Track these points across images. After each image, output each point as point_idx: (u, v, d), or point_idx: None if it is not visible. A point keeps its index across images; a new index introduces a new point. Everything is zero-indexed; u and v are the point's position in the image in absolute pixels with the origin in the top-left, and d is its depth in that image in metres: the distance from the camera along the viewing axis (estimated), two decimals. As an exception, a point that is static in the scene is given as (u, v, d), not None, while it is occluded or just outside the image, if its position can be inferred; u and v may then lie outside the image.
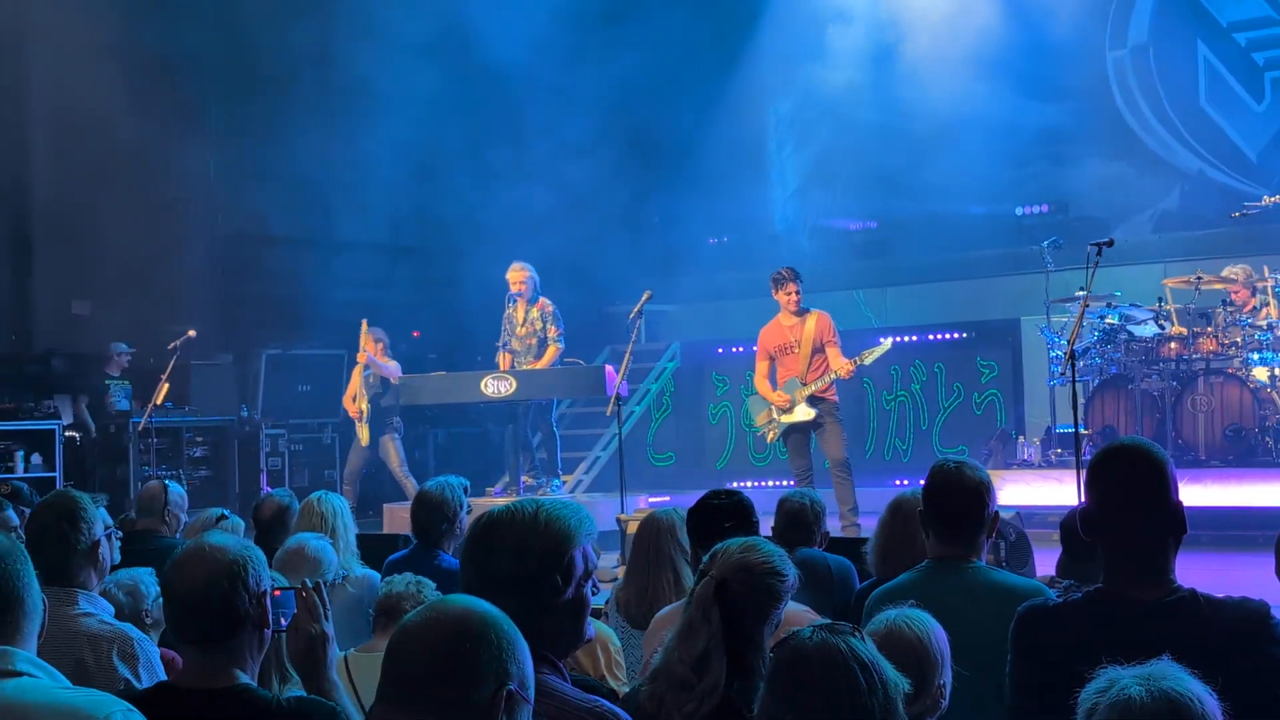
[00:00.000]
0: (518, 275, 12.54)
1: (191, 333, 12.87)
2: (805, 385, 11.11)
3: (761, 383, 11.41)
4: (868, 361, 11.15)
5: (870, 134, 15.86)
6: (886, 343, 11.47)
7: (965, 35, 14.99)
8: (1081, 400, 11.62)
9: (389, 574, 5.83)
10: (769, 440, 11.63)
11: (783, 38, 16.29)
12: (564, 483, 13.30)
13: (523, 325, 12.65)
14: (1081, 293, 10.29)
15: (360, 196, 15.99)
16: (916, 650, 3.23)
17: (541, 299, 12.63)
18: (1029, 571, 6.56)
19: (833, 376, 11.06)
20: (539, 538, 2.86)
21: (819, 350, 11.17)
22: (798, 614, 3.95)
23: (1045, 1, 14.89)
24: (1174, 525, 3.40)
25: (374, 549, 6.88)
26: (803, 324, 11.23)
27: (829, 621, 2.84)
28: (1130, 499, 3.39)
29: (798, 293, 11.19)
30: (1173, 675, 2.49)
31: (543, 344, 12.62)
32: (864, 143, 16.06)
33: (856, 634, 2.73)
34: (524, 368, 12.56)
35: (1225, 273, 11.76)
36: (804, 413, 11.11)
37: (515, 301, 12.57)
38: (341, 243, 16.48)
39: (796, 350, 11.19)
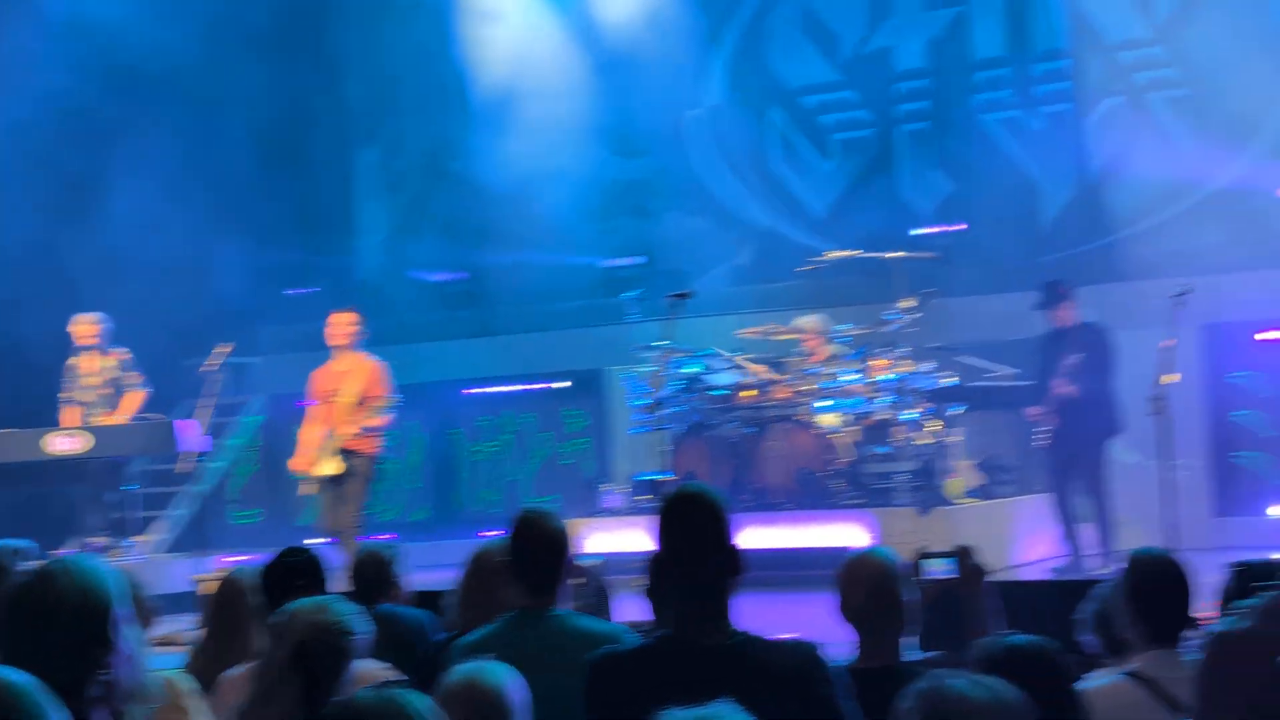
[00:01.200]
0: (87, 329, 11.97)
1: None
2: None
3: None
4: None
5: (460, 184, 15.90)
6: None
7: (552, 88, 15.25)
8: (664, 448, 11.96)
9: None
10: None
11: (369, 85, 16.18)
12: (136, 542, 12.69)
13: (95, 376, 12.04)
14: (663, 343, 10.62)
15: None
16: (492, 701, 3.20)
17: (115, 349, 12.09)
18: (608, 618, 6.66)
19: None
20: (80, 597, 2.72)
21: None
22: (371, 672, 3.87)
23: (627, 59, 15.29)
24: (731, 568, 3.49)
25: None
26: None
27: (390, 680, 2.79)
28: (689, 543, 3.48)
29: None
30: (728, 716, 2.54)
31: (119, 392, 12.07)
32: (454, 193, 16.09)
33: (412, 691, 2.68)
34: (98, 421, 11.96)
35: (796, 323, 12.33)
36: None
37: (82, 354, 11.98)
38: None
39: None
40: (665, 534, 3.56)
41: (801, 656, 3.50)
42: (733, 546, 3.56)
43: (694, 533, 3.52)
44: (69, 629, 2.69)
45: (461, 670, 3.27)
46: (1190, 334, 11.10)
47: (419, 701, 2.63)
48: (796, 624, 7.23)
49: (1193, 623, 4.07)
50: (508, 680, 3.27)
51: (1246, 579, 2.08)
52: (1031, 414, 10.97)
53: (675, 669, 3.41)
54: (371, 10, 16.55)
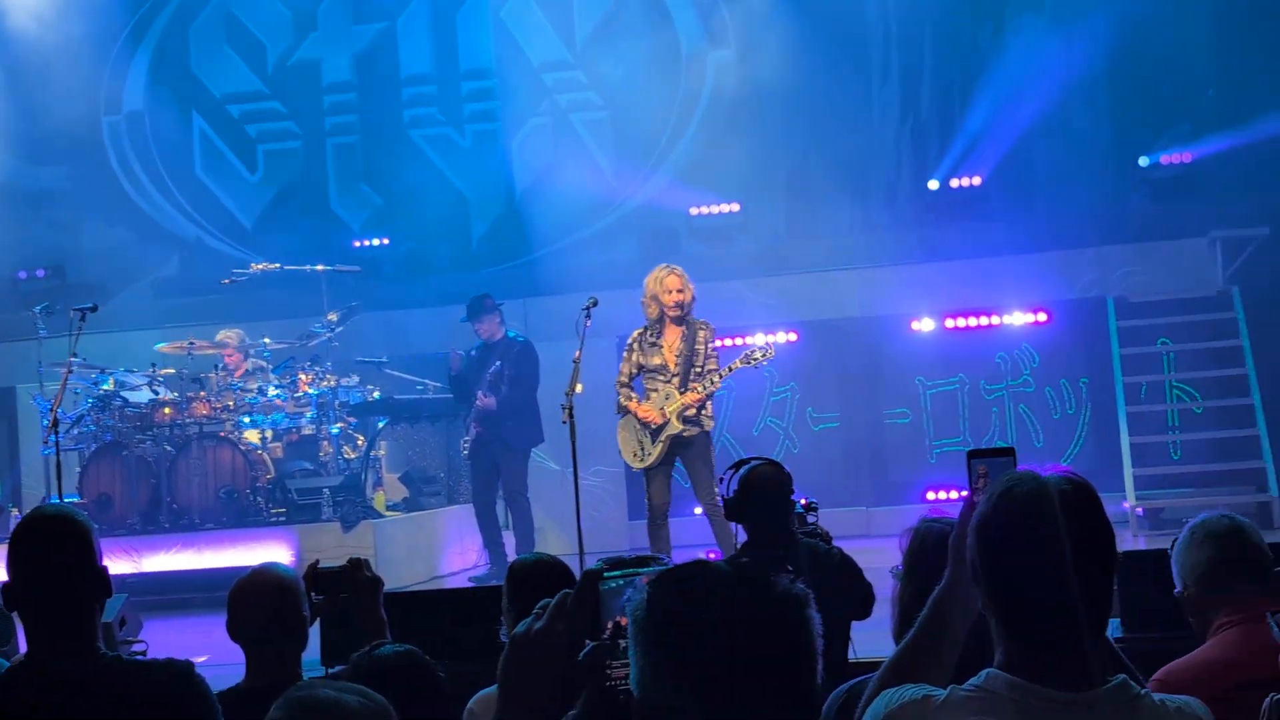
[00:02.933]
0: None
1: None
2: None
3: None
4: None
5: None
6: None
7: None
8: (76, 468, 11.35)
9: None
10: None
11: None
12: None
13: None
14: (71, 358, 10.06)
15: None
16: None
17: None
18: (13, 648, 6.24)
19: None
20: None
21: None
22: None
23: (38, 62, 14.46)
24: (96, 590, 3.37)
25: None
26: None
27: None
28: (47, 567, 3.34)
29: None
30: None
31: None
32: None
33: None
34: None
35: (219, 337, 12.01)
36: None
37: None
38: None
39: None
40: (19, 557, 3.37)
41: (174, 677, 3.34)
42: (98, 567, 3.38)
43: (50, 554, 3.34)
44: None
45: None
46: (604, 345, 11.58)
47: None
48: (211, 647, 7.00)
49: None
50: None
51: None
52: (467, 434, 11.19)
53: (34, 697, 3.22)
54: None
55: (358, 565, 4.38)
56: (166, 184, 15.18)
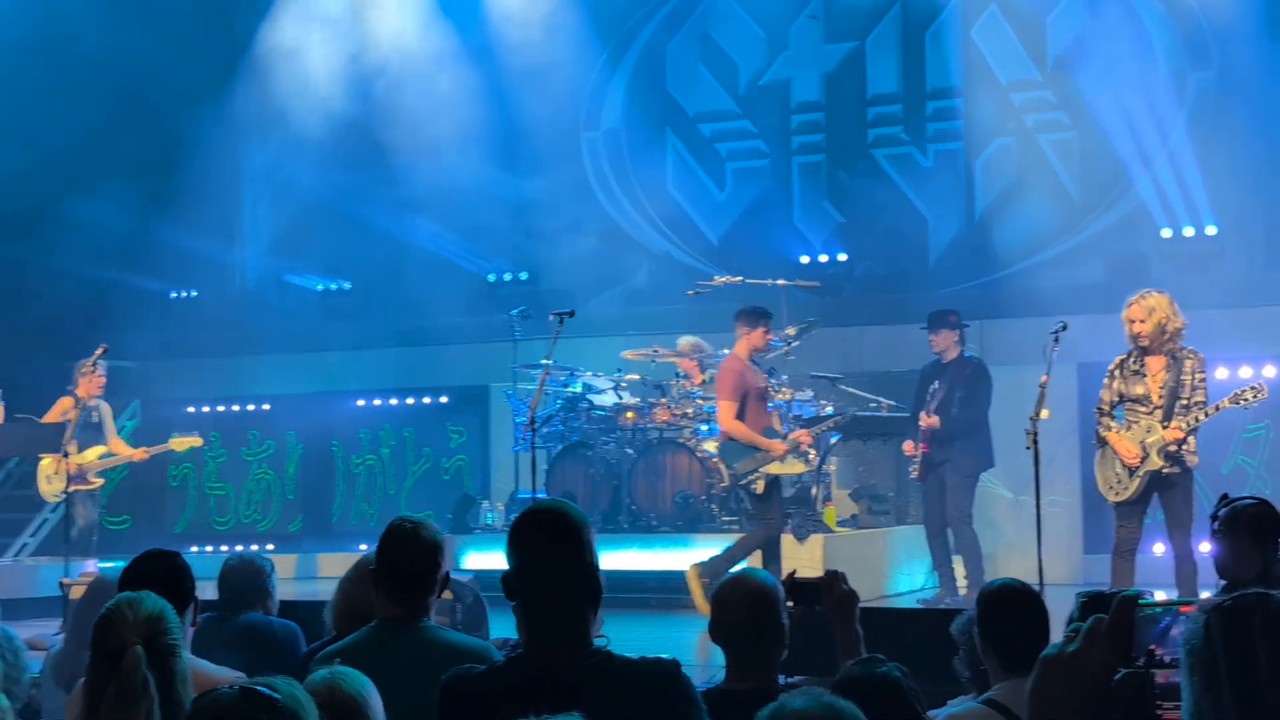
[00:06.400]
0: None
1: None
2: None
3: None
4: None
5: (344, 193, 15.73)
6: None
7: (442, 102, 15.17)
8: (543, 466, 11.91)
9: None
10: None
11: (263, 87, 15.95)
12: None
13: None
14: (546, 361, 10.58)
15: None
16: (350, 710, 3.13)
17: None
18: (484, 634, 6.60)
19: None
20: None
21: None
22: (222, 678, 3.78)
23: (523, 78, 15.27)
24: (589, 587, 3.43)
25: None
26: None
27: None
28: (544, 561, 3.40)
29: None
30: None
31: None
32: (338, 202, 15.92)
33: (272, 688, 2.60)
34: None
35: (680, 346, 12.36)
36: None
37: None
38: None
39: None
40: (517, 550, 3.44)
41: (661, 676, 3.39)
42: (591, 564, 3.44)
43: (547, 548, 3.41)
44: None
45: (320, 676, 3.18)
46: (1062, 371, 11.27)
47: (286, 690, 2.56)
48: (669, 646, 7.23)
49: None
50: (367, 687, 3.20)
51: (1090, 609, 2.15)
52: (906, 448, 11.06)
53: (528, 690, 3.27)
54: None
55: (835, 578, 4.42)
56: (640, 198, 15.76)
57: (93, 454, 11.72)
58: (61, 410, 11.73)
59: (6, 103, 13.98)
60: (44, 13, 13.92)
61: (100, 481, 11.90)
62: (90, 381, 11.73)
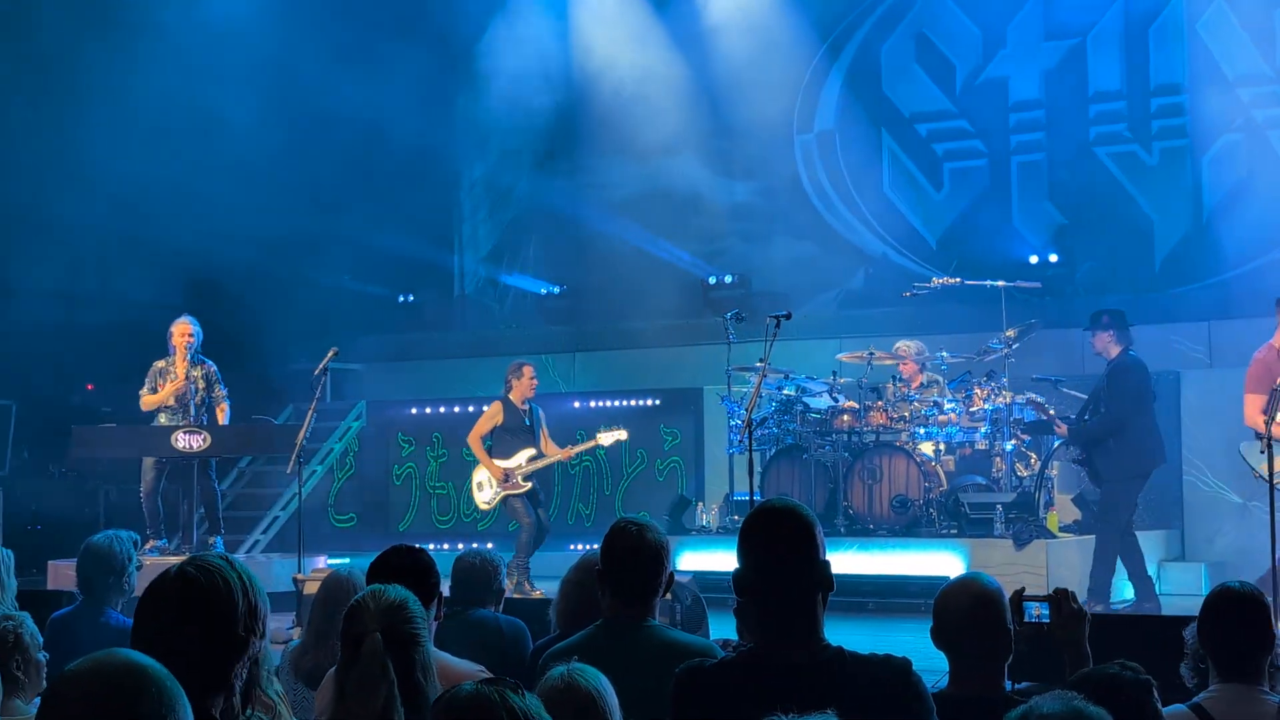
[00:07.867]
0: (184, 329, 11.98)
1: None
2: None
3: None
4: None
5: (562, 200, 15.98)
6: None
7: (655, 107, 15.29)
8: (758, 469, 11.91)
9: (53, 632, 5.51)
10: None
11: (480, 100, 16.30)
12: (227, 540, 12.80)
13: (182, 381, 11.94)
14: (760, 364, 10.58)
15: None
16: (588, 705, 3.20)
17: (204, 361, 12.01)
18: (704, 634, 6.65)
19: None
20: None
21: None
22: (460, 670, 3.88)
23: (735, 82, 15.31)
24: (821, 584, 3.44)
25: (36, 605, 6.46)
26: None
27: (491, 676, 2.79)
28: (777, 558, 3.44)
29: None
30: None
31: (206, 404, 12.02)
32: (557, 208, 16.17)
33: (516, 689, 2.69)
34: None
35: (897, 349, 12.25)
36: None
37: (174, 358, 11.98)
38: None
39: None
40: (749, 548, 3.50)
41: (894, 672, 3.40)
42: (823, 562, 3.47)
43: (781, 547, 3.45)
44: (205, 626, 2.68)
45: (558, 672, 3.27)
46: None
47: (518, 700, 2.64)
48: (889, 650, 7.18)
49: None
50: (604, 684, 3.27)
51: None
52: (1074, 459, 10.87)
53: (760, 683, 3.35)
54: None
55: (1065, 595, 4.33)
56: (855, 200, 15.69)
57: (523, 456, 11.99)
58: (491, 414, 12.06)
59: (263, 148, 14.54)
60: (292, 72, 14.47)
61: (528, 485, 11.96)
62: (523, 385, 12.03)
